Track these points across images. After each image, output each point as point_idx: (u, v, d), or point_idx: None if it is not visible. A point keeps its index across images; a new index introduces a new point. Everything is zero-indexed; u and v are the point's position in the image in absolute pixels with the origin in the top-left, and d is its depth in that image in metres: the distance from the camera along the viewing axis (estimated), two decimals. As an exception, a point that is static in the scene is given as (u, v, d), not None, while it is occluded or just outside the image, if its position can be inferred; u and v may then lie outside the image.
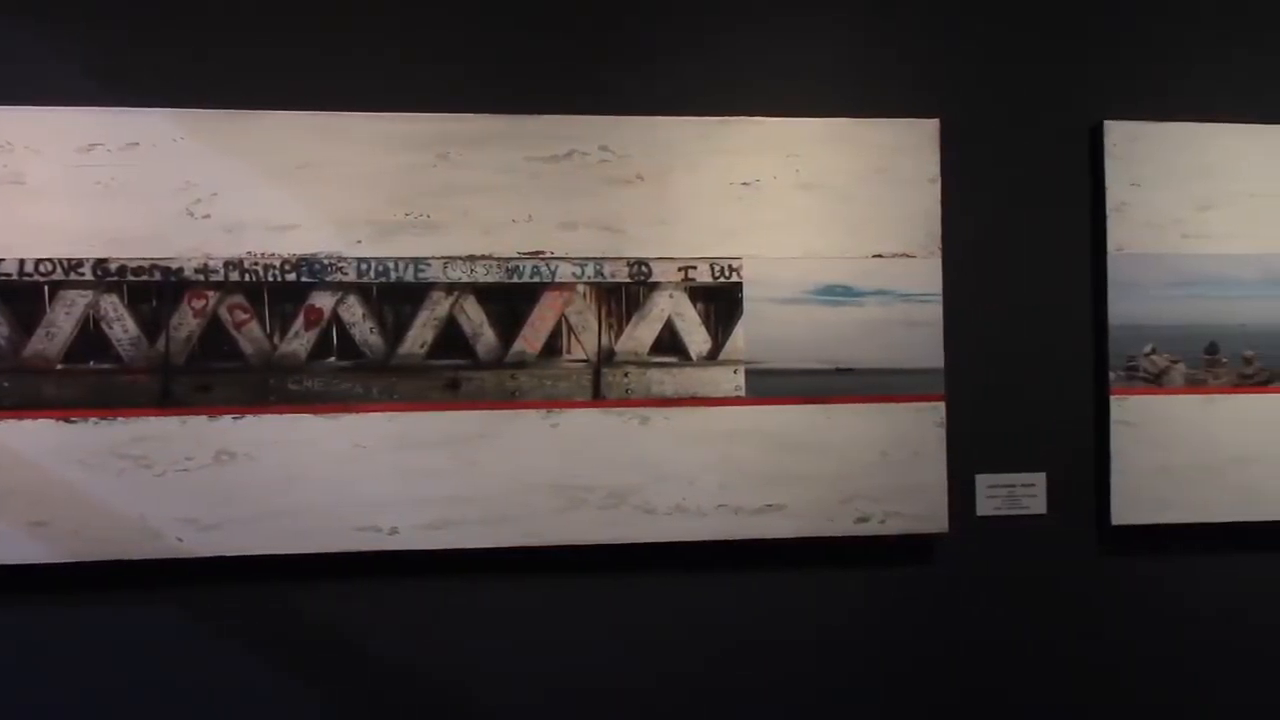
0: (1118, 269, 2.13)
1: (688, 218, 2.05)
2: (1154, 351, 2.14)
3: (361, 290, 1.98)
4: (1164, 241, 2.14)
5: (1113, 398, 2.13)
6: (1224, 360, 2.15)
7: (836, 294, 2.08)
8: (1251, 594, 2.21)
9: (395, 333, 1.99)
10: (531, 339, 2.01)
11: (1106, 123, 2.14)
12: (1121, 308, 2.13)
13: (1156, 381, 2.14)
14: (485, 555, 2.02)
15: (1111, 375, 2.13)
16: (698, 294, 2.06)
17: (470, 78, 2.05)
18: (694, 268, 2.05)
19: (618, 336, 2.03)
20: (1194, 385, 2.14)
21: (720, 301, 2.06)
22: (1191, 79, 2.20)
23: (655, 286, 2.04)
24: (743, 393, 2.05)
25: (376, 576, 2.02)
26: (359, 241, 1.97)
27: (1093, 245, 2.16)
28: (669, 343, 2.05)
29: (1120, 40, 2.19)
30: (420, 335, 1.99)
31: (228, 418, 1.94)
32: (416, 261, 1.99)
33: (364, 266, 1.97)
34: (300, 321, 1.96)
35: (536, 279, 2.02)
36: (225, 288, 1.95)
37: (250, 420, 1.95)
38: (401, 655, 2.04)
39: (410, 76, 2.04)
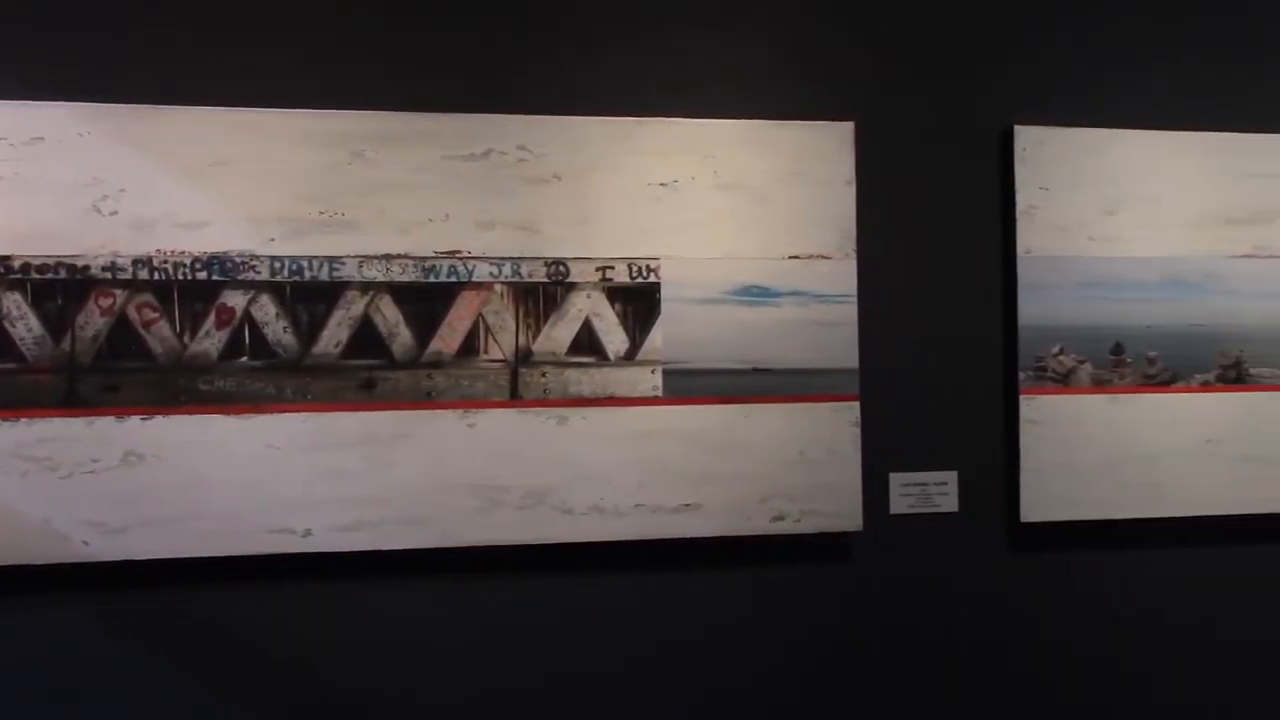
0: (1027, 271, 2.27)
1: (606, 218, 2.14)
2: (1062, 352, 2.28)
3: (275, 289, 2.04)
4: (1071, 244, 2.28)
5: (1022, 397, 2.27)
6: (1129, 360, 2.30)
7: (754, 295, 2.19)
8: (1155, 589, 2.37)
9: (309, 332, 2.05)
10: (448, 339, 2.09)
11: (1016, 127, 2.28)
12: (1030, 309, 2.27)
13: (1064, 381, 2.28)
14: (401, 557, 2.08)
15: (1021, 375, 2.27)
16: (616, 294, 2.15)
17: (388, 75, 2.12)
18: (612, 268, 2.15)
19: (535, 336, 2.12)
20: (1100, 385, 2.29)
21: (638, 302, 2.16)
22: (1099, 85, 2.35)
23: (573, 287, 2.13)
24: (660, 393, 2.15)
25: (290, 580, 2.08)
26: (272, 240, 2.03)
27: (1003, 247, 2.30)
28: (587, 343, 2.14)
29: (1031, 47, 2.33)
30: (335, 335, 2.05)
31: (136, 418, 1.99)
32: (331, 260, 2.06)
33: (277, 265, 2.04)
34: (211, 321, 2.02)
35: (453, 279, 2.10)
36: (133, 286, 2.00)
37: (159, 421, 2.00)
38: (316, 659, 2.10)
39: (326, 73, 2.10)
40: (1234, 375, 2.32)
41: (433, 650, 2.13)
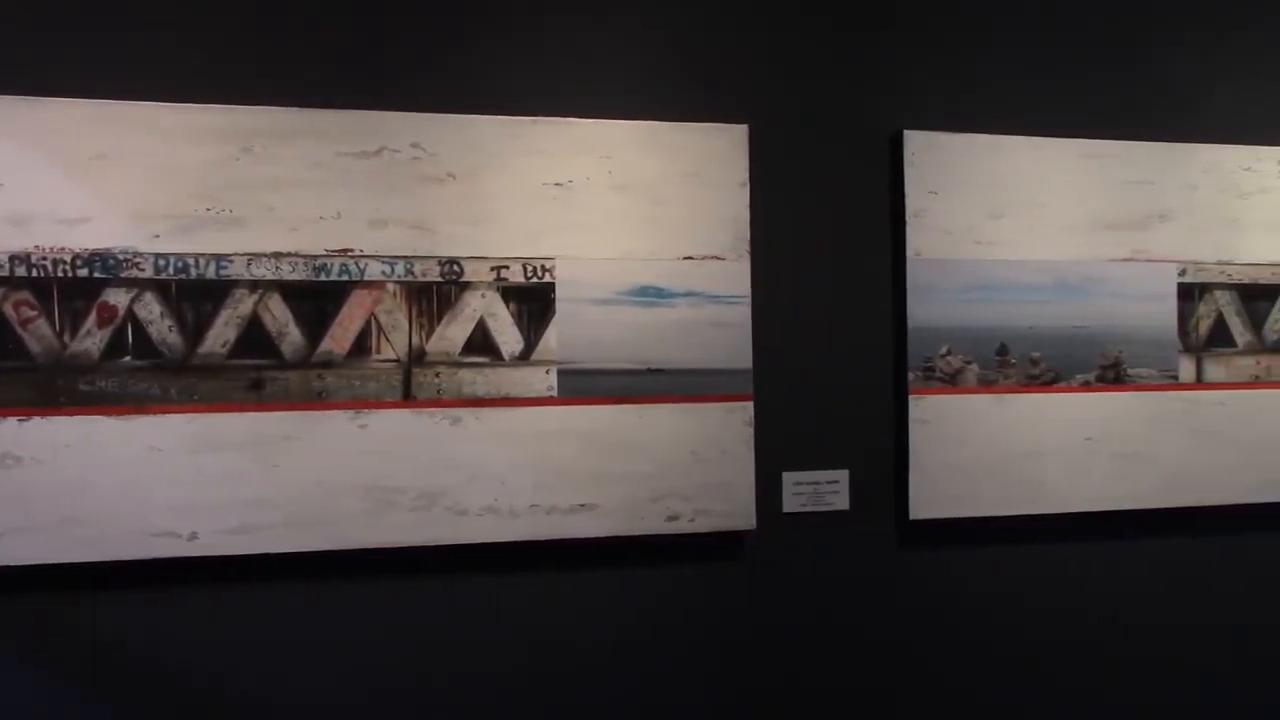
0: (916, 273, 2.47)
1: (501, 217, 2.27)
2: (949, 353, 2.49)
3: (159, 287, 2.12)
4: (958, 248, 2.49)
5: (911, 397, 2.46)
6: (1013, 361, 2.52)
7: (648, 295, 2.34)
8: (1038, 582, 2.59)
9: (195, 331, 2.13)
10: (339, 338, 2.20)
11: (906, 132, 2.47)
12: (919, 310, 2.47)
13: (952, 381, 2.49)
14: (291, 560, 2.17)
15: (910, 375, 2.46)
16: (510, 294, 2.28)
17: (278, 70, 2.20)
18: (507, 267, 2.28)
19: (429, 336, 2.24)
20: (986, 385, 2.51)
21: (533, 302, 2.29)
22: (987, 93, 2.56)
23: (467, 286, 2.26)
24: (555, 393, 2.29)
25: (175, 585, 2.16)
26: (157, 236, 2.11)
27: (893, 250, 2.49)
28: (481, 343, 2.26)
29: (921, 54, 2.53)
30: (222, 334, 2.15)
31: (13, 420, 2.05)
32: (218, 258, 2.15)
33: (162, 262, 2.12)
34: (92, 319, 2.09)
35: (345, 277, 2.21)
36: (10, 283, 2.05)
37: (38, 423, 2.06)
38: (202, 665, 2.18)
39: (215, 66, 2.17)
40: (1113, 375, 2.55)
41: (323, 654, 2.23)
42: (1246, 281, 2.62)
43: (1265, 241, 2.63)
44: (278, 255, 2.13)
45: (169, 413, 2.08)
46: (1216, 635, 2.66)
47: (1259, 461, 2.60)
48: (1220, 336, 2.60)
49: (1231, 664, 2.67)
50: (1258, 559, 2.68)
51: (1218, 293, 2.60)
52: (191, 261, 2.10)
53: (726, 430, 2.33)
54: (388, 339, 2.18)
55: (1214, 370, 2.59)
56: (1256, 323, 2.62)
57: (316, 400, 2.14)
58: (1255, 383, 2.62)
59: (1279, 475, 2.62)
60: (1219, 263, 2.59)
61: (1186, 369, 2.58)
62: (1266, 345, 2.63)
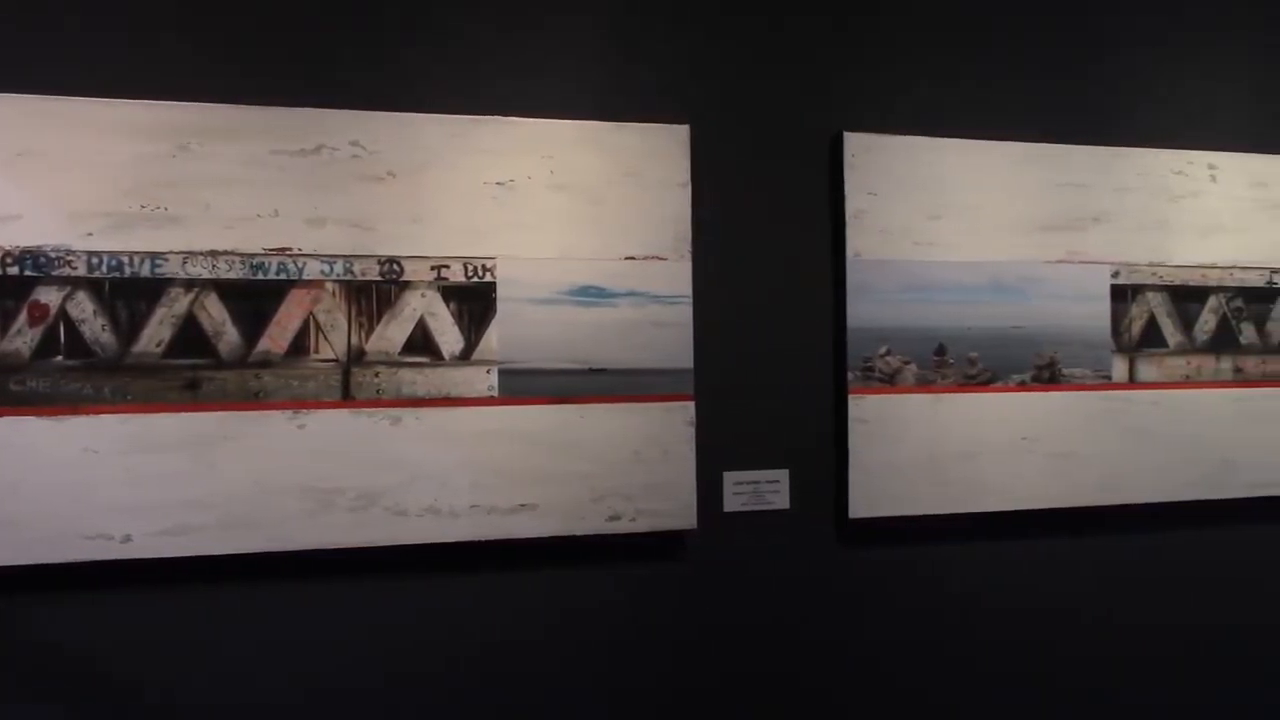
0: (855, 274, 2.56)
1: (441, 216, 2.32)
2: (888, 353, 2.59)
3: (92, 286, 2.15)
4: (897, 248, 2.59)
5: (851, 397, 2.56)
6: (951, 361, 2.63)
7: (590, 295, 2.42)
8: (976, 581, 2.70)
9: (129, 331, 2.16)
10: (277, 338, 2.24)
11: (846, 134, 2.56)
12: (859, 311, 2.57)
13: (890, 381, 2.60)
14: (227, 562, 2.20)
15: (850, 375, 2.56)
16: (451, 293, 2.34)
17: (215, 65, 2.23)
18: (447, 267, 2.34)
19: (368, 336, 2.29)
20: (924, 385, 2.61)
21: (474, 301, 2.35)
22: (926, 95, 2.66)
23: (407, 285, 2.31)
24: (496, 393, 2.35)
25: (109, 588, 2.18)
26: (90, 234, 2.13)
27: (832, 251, 2.59)
28: (421, 342, 2.32)
29: (861, 55, 2.62)
30: (157, 334, 2.18)
31: (-60, 420, 2.06)
32: (153, 256, 2.18)
33: (95, 261, 2.15)
34: (23, 318, 2.11)
35: (283, 276, 2.25)
36: (-62, 282, 2.06)
37: (-34, 423, 2.07)
38: (137, 670, 2.20)
39: (150, 62, 2.19)
40: (1048, 375, 2.67)
41: (261, 657, 2.26)
42: (1177, 283, 2.75)
43: (1195, 244, 2.76)
44: (214, 254, 2.17)
45: (102, 413, 2.11)
46: (1151, 631, 2.78)
47: (1190, 459, 2.73)
48: (1152, 337, 2.73)
49: (1166, 658, 2.80)
50: (1189, 556, 2.82)
51: (1150, 294, 2.73)
52: (125, 260, 2.13)
53: (668, 430, 2.40)
54: (326, 338, 2.23)
55: (1146, 370, 2.72)
56: (1187, 323, 2.75)
57: (254, 400, 2.18)
58: (1186, 382, 2.75)
59: (1209, 473, 2.74)
60: (1151, 264, 2.72)
61: (1120, 369, 2.70)
62: (1197, 346, 2.76)
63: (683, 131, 2.42)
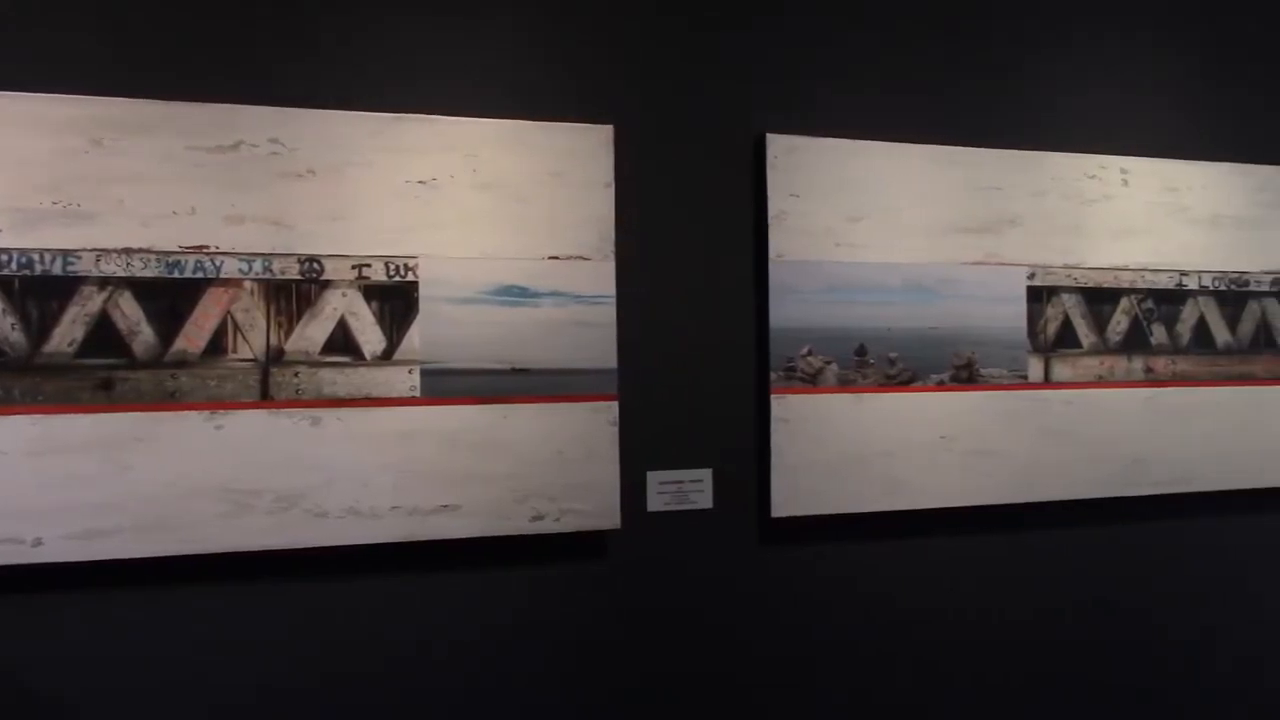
0: (778, 275, 2.64)
1: (362, 215, 2.35)
2: (810, 353, 2.68)
3: (1, 283, 2.13)
4: (819, 250, 2.68)
5: (773, 397, 2.64)
6: (872, 361, 2.73)
7: (513, 295, 2.46)
8: (896, 578, 2.80)
9: (40, 330, 2.14)
10: (194, 337, 2.25)
11: (769, 135, 2.64)
12: (781, 311, 2.65)
13: (812, 381, 2.68)
14: (143, 565, 2.21)
15: (772, 375, 2.64)
16: (372, 293, 2.37)
17: (130, 59, 2.23)
18: (368, 266, 2.37)
19: (288, 335, 2.31)
20: (845, 385, 2.70)
21: (396, 301, 2.38)
22: (848, 99, 2.75)
23: (328, 284, 2.34)
24: (418, 393, 2.39)
25: (18, 592, 2.18)
26: (-1, 231, 2.11)
27: (755, 252, 2.67)
28: (342, 342, 2.34)
29: (785, 58, 2.71)
30: (69, 333, 2.18)
31: None
32: (65, 254, 2.17)
33: (4, 258, 2.13)
34: (-71, 317, 2.09)
35: (200, 275, 2.26)
36: None
37: None
38: (48, 676, 2.19)
39: (61, 55, 2.19)
40: (966, 375, 2.78)
41: (177, 663, 2.26)
42: (1091, 285, 2.88)
43: (1108, 247, 2.89)
44: (128, 251, 2.18)
45: (12, 414, 2.11)
46: (1065, 625, 2.91)
47: (1102, 457, 2.86)
48: (1067, 338, 2.85)
49: (1083, 650, 2.92)
50: (1101, 552, 2.95)
51: (1064, 295, 2.85)
52: (36, 257, 2.13)
53: (591, 430, 2.46)
54: (245, 338, 2.25)
55: (1061, 370, 2.84)
56: (1100, 324, 2.88)
57: (170, 400, 2.19)
58: (1099, 382, 2.88)
59: (1120, 471, 2.87)
60: (1065, 266, 2.85)
61: (1035, 369, 2.82)
62: (1109, 346, 2.89)
63: (607, 132, 2.48)
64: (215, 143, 2.22)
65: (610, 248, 2.46)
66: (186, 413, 2.20)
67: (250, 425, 2.23)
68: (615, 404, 2.46)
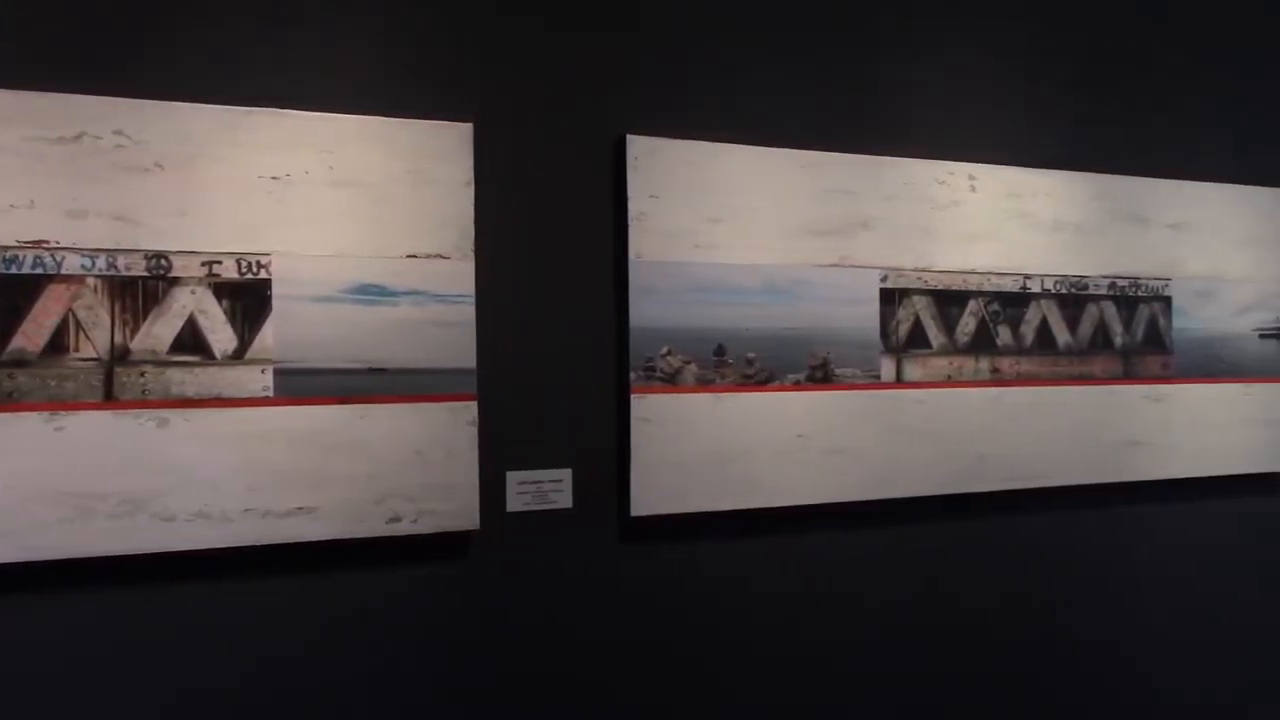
0: (638, 275, 2.72)
1: (213, 210, 2.34)
2: (670, 353, 2.77)
3: None
4: (679, 250, 2.77)
5: (633, 396, 2.72)
6: (730, 361, 2.83)
7: (370, 293, 2.49)
8: (754, 575, 2.91)
9: None
10: (33, 335, 2.21)
11: (629, 136, 2.71)
12: (641, 311, 2.73)
13: (672, 381, 2.77)
14: (-24, 573, 2.18)
15: (632, 375, 2.72)
16: (223, 290, 2.36)
17: (-40, 44, 2.21)
18: (219, 263, 2.36)
19: (134, 334, 2.29)
20: (704, 384, 2.80)
21: (248, 299, 2.38)
22: (708, 101, 2.85)
23: (176, 281, 2.33)
24: (271, 393, 2.40)
25: None
26: None
27: (615, 252, 2.74)
28: (191, 341, 2.33)
29: (645, 59, 2.79)
30: (-104, 330, 2.12)
31: None
32: (-109, 247, 2.13)
33: None
34: None
35: (39, 270, 2.23)
36: None
37: None
38: None
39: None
40: (821, 375, 2.91)
41: (15, 677, 2.23)
42: (940, 288, 3.03)
43: (957, 250, 3.05)
44: (-39, 246, 2.12)
45: None
46: (919, 616, 3.06)
47: (949, 454, 3.02)
48: (918, 338, 3.00)
49: (936, 639, 3.08)
50: (948, 546, 3.11)
51: (915, 298, 3.00)
52: None
53: (450, 430, 2.50)
54: (88, 336, 2.22)
55: (912, 370, 2.99)
56: (949, 326, 3.04)
57: (6, 401, 2.16)
58: (948, 382, 3.04)
59: (966, 467, 3.04)
60: (916, 269, 3.00)
61: (888, 369, 2.96)
62: (958, 347, 3.06)
63: (467, 130, 2.52)
64: (57, 134, 2.19)
65: (470, 247, 2.50)
66: (24, 414, 2.17)
67: (93, 426, 2.21)
68: (474, 404, 2.50)
